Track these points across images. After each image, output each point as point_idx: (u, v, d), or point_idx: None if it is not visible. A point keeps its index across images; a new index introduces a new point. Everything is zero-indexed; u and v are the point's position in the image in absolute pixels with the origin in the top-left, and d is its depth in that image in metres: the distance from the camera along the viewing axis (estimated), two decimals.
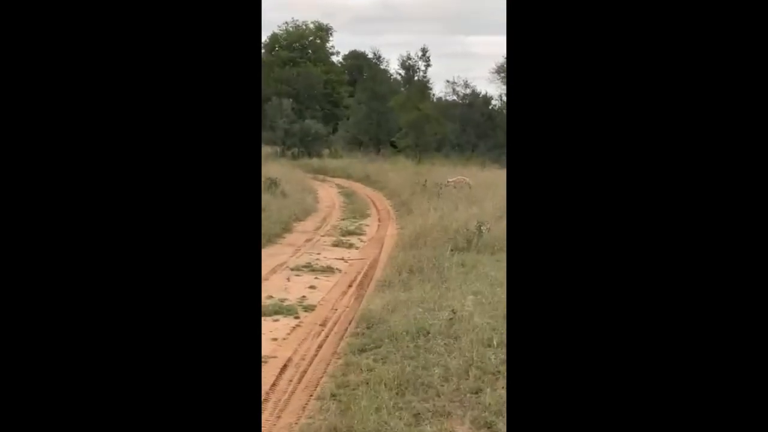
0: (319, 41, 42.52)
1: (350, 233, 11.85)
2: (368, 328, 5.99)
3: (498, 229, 9.68)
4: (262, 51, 40.02)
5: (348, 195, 18.22)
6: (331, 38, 42.97)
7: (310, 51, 41.89)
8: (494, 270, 7.85)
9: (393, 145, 32.62)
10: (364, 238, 11.63)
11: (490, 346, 5.15)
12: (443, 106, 34.31)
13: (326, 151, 32.92)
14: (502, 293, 6.54)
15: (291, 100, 34.27)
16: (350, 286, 8.03)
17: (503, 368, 4.69)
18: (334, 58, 43.53)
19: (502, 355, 4.89)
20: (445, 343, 5.36)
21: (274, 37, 41.55)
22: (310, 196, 16.10)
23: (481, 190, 14.85)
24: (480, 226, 9.18)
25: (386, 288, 7.51)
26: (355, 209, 15.02)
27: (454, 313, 5.85)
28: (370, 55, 40.35)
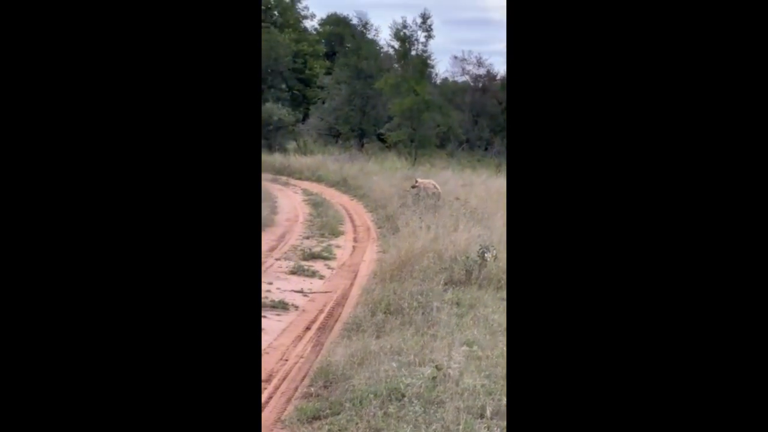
0: (288, 0, 42.68)
1: (315, 257, 11.88)
2: (325, 386, 6.00)
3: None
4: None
5: (316, 204, 18.26)
6: None
7: (275, 13, 42.03)
8: (497, 312, 7.86)
9: (381, 138, 32.70)
10: (333, 263, 11.66)
11: (482, 416, 5.14)
12: (449, 89, 34.53)
13: (292, 145, 32.87)
14: (503, 345, 6.54)
15: None
16: (308, 328, 8.04)
17: None
18: (308, 23, 43.78)
19: (498, 429, 4.88)
20: (423, 411, 5.34)
21: None
22: (266, 206, 16.09)
23: (491, 204, 14.92)
24: (483, 252, 9.17)
25: (354, 333, 7.51)
26: (325, 224, 15.06)
27: (439, 369, 5.84)
28: (355, 21, 40.55)
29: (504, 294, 8.71)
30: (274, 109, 31.85)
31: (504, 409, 5.14)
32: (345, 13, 45.55)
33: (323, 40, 42.58)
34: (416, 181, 17.06)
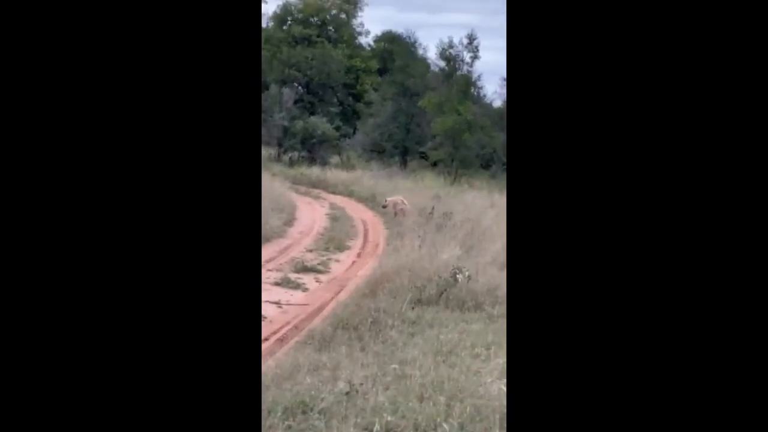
0: (344, 16, 43.11)
1: (308, 270, 11.97)
2: None
3: (485, 280, 9.65)
4: (270, 24, 40.73)
5: (337, 219, 18.38)
6: (360, 13, 43.53)
7: (331, 28, 42.47)
8: (451, 332, 7.85)
9: (423, 156, 32.75)
10: (323, 277, 11.75)
11: (367, 430, 5.15)
12: (496, 112, 34.37)
13: (336, 159, 33.16)
14: (434, 367, 6.54)
15: (296, 89, 34.68)
16: (266, 340, 8.10)
17: None
18: (362, 39, 44.13)
19: None
20: (326, 425, 5.38)
21: (286, 8, 42.21)
22: (280, 218, 16.27)
23: (503, 226, 14.82)
24: (455, 273, 9.15)
25: (305, 347, 7.56)
26: (334, 238, 15.16)
27: (351, 386, 5.86)
28: (406, 39, 40.77)
29: (468, 316, 8.73)
30: (318, 123, 32.18)
31: (392, 427, 5.16)
32: (400, 31, 45.76)
33: (377, 57, 42.81)
34: (386, 200, 18.31)
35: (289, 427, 5.41)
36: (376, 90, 38.41)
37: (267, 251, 13.20)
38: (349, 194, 23.95)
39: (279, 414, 5.54)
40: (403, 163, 32.70)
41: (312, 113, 34.60)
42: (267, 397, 5.94)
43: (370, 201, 22.20)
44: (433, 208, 16.46)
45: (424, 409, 5.58)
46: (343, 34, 42.38)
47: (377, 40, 44.48)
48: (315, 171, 28.51)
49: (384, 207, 17.17)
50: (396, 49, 40.93)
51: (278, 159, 31.73)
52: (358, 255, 13.98)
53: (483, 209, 18.51)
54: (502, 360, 6.44)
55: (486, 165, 32.32)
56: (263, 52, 35.78)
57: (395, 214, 17.61)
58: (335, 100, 39.15)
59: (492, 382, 5.91)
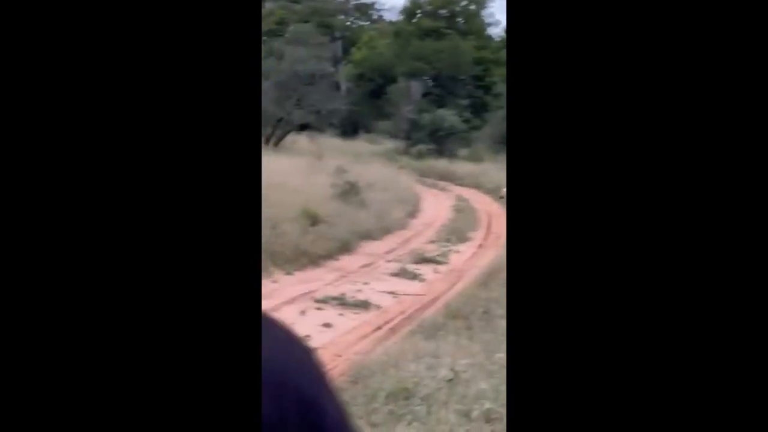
0: (473, 7, 43.01)
1: (427, 261, 12.09)
2: (353, 382, 6.22)
3: None
4: (400, 17, 41.08)
5: (462, 210, 18.47)
6: (491, 3, 43.36)
7: (460, 20, 42.45)
8: None
9: None
10: (442, 268, 11.84)
11: (467, 416, 5.24)
12: None
13: (465, 152, 33.19)
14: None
15: (425, 81, 34.94)
16: (378, 329, 8.29)
17: None
18: (492, 30, 43.84)
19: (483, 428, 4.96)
20: (427, 411, 5.50)
21: (415, 1, 42.50)
22: (404, 209, 16.47)
23: None
24: None
25: (415, 335, 7.70)
26: (457, 230, 15.25)
27: (455, 373, 5.96)
28: None
29: None
30: (446, 116, 32.32)
31: (491, 414, 5.22)
32: None
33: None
34: (502, 191, 18.79)
35: (391, 411, 5.55)
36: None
37: (387, 243, 13.43)
38: (476, 186, 24.01)
39: (382, 399, 5.69)
40: None
41: (440, 106, 34.70)
42: (371, 383, 6.10)
43: (496, 193, 22.20)
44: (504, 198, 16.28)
45: None
46: (473, 25, 42.30)
47: None
48: (442, 163, 28.65)
49: (501, 198, 17.10)
50: None
51: (406, 152, 32.02)
52: (480, 246, 13.99)
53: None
54: None
55: None
56: (393, 46, 36.12)
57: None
58: (464, 92, 39.17)
59: None
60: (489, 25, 43.51)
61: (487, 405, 5.51)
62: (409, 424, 5.31)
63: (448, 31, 40.80)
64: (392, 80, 35.74)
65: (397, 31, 39.40)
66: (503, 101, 35.23)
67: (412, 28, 40.66)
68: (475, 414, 5.26)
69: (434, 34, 40.55)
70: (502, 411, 5.41)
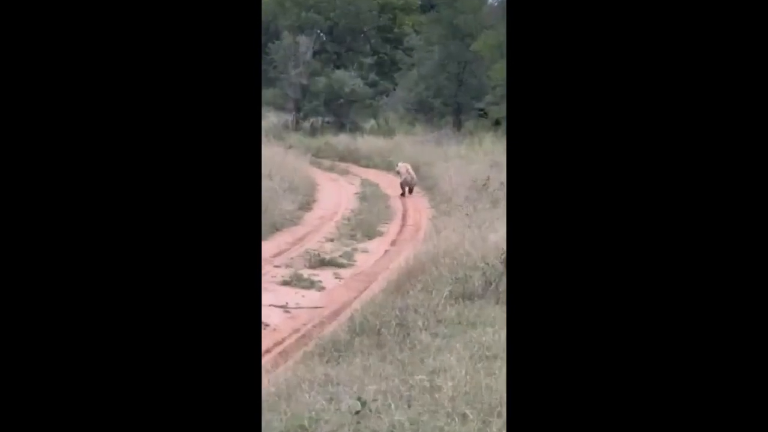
0: None
1: (326, 264, 12.17)
2: None
3: None
4: None
5: (368, 198, 18.58)
6: None
7: None
8: (498, 332, 7.91)
9: (483, 114, 32.67)
10: (345, 272, 11.93)
11: None
12: None
13: (372, 124, 33.16)
14: (474, 377, 6.61)
15: (317, 36, 34.65)
16: (267, 352, 8.26)
17: None
18: None
19: None
20: None
21: None
22: (295, 201, 16.49)
23: None
24: (505, 257, 9.21)
25: (315, 358, 7.72)
26: (364, 223, 15.39)
27: (363, 404, 6.00)
28: None
29: None
30: (346, 79, 32.08)
31: None
32: None
33: None
34: (397, 166, 20.28)
35: None
36: (418, 33, 38.21)
37: (275, 243, 13.41)
38: (387, 167, 24.04)
39: None
40: (457, 124, 32.56)
41: (338, 66, 34.68)
42: (264, 421, 6.09)
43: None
44: (488, 178, 16.55)
45: (454, 428, 5.68)
46: None
47: None
48: (343, 139, 28.85)
49: (399, 174, 19.69)
50: None
51: (296, 127, 31.79)
52: (393, 242, 14.17)
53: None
54: None
55: None
56: None
57: (404, 191, 19.57)
58: (367, 48, 39.20)
59: None
60: None
61: None
62: None
63: None
64: (274, 36, 35.50)
65: None
66: (416, 57, 35.39)
67: None
68: None
69: None
70: None
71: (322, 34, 36.78)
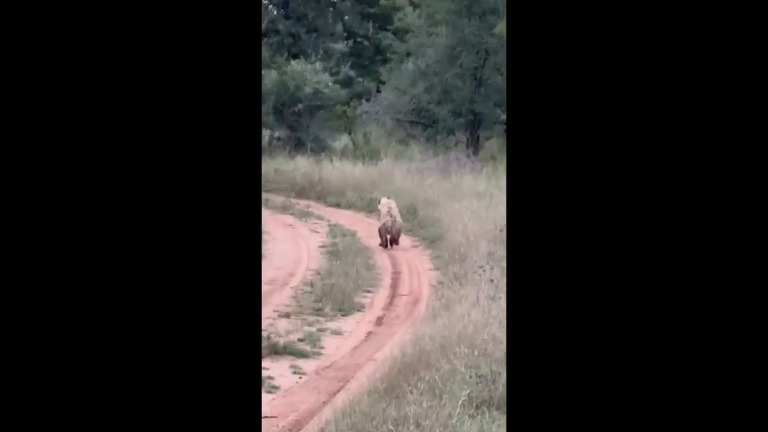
0: None
1: (279, 352, 10.88)
2: None
3: None
4: None
5: (340, 254, 17.57)
6: None
7: None
8: None
9: None
10: (308, 364, 10.69)
11: None
12: None
13: (344, 140, 30.48)
14: None
15: (265, 10, 31.26)
16: None
17: None
18: None
19: None
20: None
21: None
22: None
23: None
24: None
25: None
26: (335, 291, 14.10)
27: None
28: None
29: None
30: (305, 73, 29.70)
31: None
32: None
33: None
34: (379, 203, 18.74)
35: None
36: (416, 7, 34.81)
37: None
38: (367, 207, 22.52)
39: None
40: (474, 144, 30.05)
41: (294, 55, 31.43)
42: None
43: (407, 219, 20.48)
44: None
45: None
46: None
47: None
48: (302, 165, 26.64)
49: (380, 212, 17.54)
50: None
51: None
52: (379, 321, 12.94)
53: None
54: None
55: None
56: None
57: (385, 241, 17.49)
58: (339, 28, 36.21)
59: None
60: None
61: None
62: None
63: None
64: None
65: None
66: (412, 44, 31.50)
67: None
68: None
69: None
70: None
71: (272, 7, 33.55)
